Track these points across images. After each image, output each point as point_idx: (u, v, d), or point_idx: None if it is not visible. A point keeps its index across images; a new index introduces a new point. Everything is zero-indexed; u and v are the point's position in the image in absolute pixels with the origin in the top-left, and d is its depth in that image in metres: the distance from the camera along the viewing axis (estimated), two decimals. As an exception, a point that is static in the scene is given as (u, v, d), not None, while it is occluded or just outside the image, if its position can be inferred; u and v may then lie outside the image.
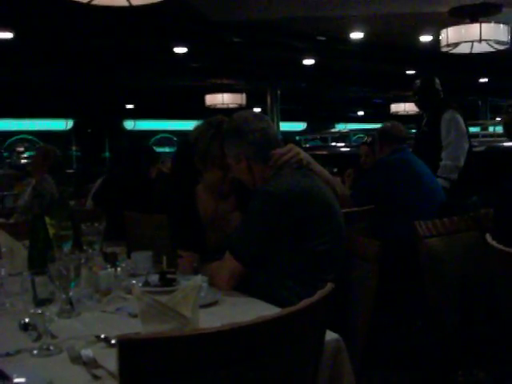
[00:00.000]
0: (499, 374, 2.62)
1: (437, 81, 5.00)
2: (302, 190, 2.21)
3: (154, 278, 2.29)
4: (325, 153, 9.62)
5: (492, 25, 7.02)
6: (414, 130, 7.44)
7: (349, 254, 2.32)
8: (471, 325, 2.77)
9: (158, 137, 18.83)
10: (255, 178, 2.36)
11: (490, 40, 6.97)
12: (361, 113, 21.48)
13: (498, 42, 7.05)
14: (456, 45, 7.13)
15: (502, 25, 7.00)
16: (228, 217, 2.67)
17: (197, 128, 2.66)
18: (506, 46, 7.20)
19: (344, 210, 3.83)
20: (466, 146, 4.79)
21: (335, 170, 4.90)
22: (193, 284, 1.70)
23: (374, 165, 4.38)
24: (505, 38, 7.00)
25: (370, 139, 5.56)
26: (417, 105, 5.25)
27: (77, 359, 1.52)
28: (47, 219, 2.28)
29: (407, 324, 3.91)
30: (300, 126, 20.78)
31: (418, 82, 5.09)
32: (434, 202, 3.97)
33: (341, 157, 8.85)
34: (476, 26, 6.98)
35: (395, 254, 3.43)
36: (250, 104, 11.55)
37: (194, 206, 2.70)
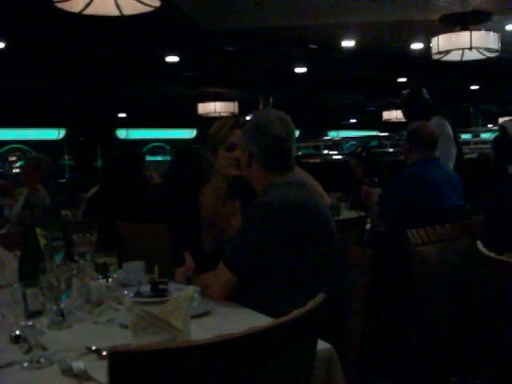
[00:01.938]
0: (493, 380, 2.62)
1: (424, 91, 4.96)
2: (298, 202, 2.20)
3: (146, 289, 2.28)
4: (317, 161, 9.65)
5: (482, 32, 7.07)
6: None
7: (341, 263, 2.32)
8: (464, 331, 2.78)
9: (151, 145, 18.82)
10: (251, 175, 2.37)
11: (480, 48, 7.01)
12: (353, 120, 21.53)
13: (489, 50, 7.09)
14: (447, 52, 7.17)
15: (492, 32, 7.05)
16: (230, 220, 2.67)
17: (217, 122, 2.70)
18: (497, 54, 7.25)
19: (336, 218, 3.85)
20: (454, 151, 4.76)
21: (376, 179, 4.74)
22: (184, 294, 1.69)
23: (403, 176, 3.94)
24: (495, 45, 7.05)
25: (359, 150, 5.54)
26: (404, 116, 5.21)
27: (68, 371, 1.51)
28: (38, 230, 2.26)
29: (400, 331, 3.91)
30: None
31: (404, 93, 5.07)
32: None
33: (333, 165, 8.88)
34: (466, 33, 7.03)
35: (389, 262, 3.44)
36: (243, 112, 11.56)
37: (196, 206, 2.70)
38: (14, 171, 14.92)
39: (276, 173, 2.30)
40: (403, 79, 12.33)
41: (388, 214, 3.89)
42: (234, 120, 2.67)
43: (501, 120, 10.54)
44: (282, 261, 2.16)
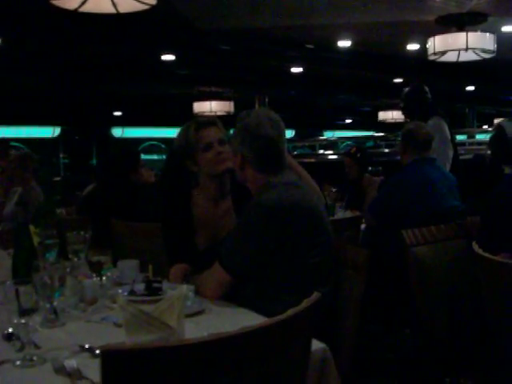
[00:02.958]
0: (486, 382, 2.62)
1: (425, 89, 4.96)
2: (294, 203, 2.19)
3: (140, 287, 2.28)
4: (313, 161, 9.65)
5: (478, 34, 7.09)
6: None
7: (337, 263, 2.32)
8: (459, 333, 2.78)
9: (147, 144, 18.79)
10: (246, 177, 2.36)
11: (476, 49, 7.02)
12: (349, 120, 21.54)
13: (485, 51, 7.10)
14: (443, 53, 7.18)
15: (487, 34, 7.07)
16: (223, 220, 2.66)
17: (178, 134, 2.70)
18: (492, 55, 7.26)
19: (332, 219, 3.85)
20: (451, 152, 4.76)
21: (380, 168, 4.72)
22: (178, 293, 1.68)
23: (399, 175, 3.95)
24: (491, 46, 7.06)
25: (354, 150, 5.53)
26: (403, 112, 5.21)
27: (61, 370, 1.50)
28: (32, 228, 2.25)
29: (395, 332, 3.91)
30: (289, 133, 20.82)
31: (406, 89, 5.06)
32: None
33: (328, 165, 8.88)
34: (462, 34, 7.04)
35: (384, 263, 3.43)
36: (239, 112, 11.54)
37: (188, 207, 2.70)
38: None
39: (270, 173, 2.29)
40: (399, 80, 12.34)
41: (375, 209, 3.93)
42: (194, 123, 2.67)
43: (496, 121, 10.56)
44: (277, 261, 2.16)
